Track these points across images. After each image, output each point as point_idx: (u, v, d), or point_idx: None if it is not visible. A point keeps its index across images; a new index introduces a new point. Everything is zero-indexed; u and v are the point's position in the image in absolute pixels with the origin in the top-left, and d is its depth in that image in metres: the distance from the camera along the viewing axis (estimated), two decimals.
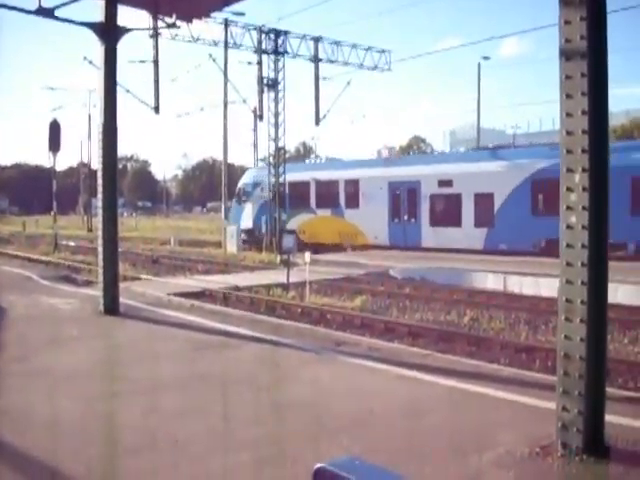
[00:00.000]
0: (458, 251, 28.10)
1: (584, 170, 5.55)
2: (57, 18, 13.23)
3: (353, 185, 34.35)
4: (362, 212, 33.19)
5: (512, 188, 28.34)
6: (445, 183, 30.80)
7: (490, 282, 20.85)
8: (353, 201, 34.25)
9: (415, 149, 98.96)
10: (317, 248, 29.25)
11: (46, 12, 12.95)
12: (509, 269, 21.59)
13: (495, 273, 21.17)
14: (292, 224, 35.62)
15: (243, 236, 36.82)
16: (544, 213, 26.02)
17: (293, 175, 36.16)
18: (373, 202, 33.14)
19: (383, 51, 35.41)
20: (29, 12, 12.86)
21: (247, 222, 38.00)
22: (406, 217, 32.45)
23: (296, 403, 7.35)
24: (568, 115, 5.65)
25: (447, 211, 31.18)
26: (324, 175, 36.33)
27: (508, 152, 33.49)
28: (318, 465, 2.08)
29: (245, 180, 40.30)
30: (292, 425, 6.62)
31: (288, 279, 19.08)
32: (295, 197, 36.15)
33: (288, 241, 22.91)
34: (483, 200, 29.38)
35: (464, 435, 6.28)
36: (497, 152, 33.34)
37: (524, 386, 7.84)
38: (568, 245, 5.65)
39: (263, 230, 36.53)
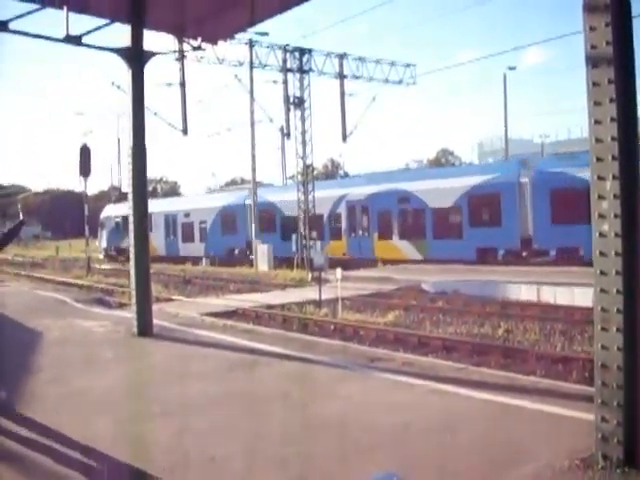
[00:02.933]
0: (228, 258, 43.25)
1: (615, 177, 5.49)
2: (85, 45, 13.42)
3: (151, 217, 52.59)
4: (153, 235, 46.15)
5: (213, 217, 47.28)
6: (187, 215, 50.02)
7: (524, 293, 20.67)
8: (150, 228, 47.66)
9: (443, 162, 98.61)
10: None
11: (74, 39, 13.13)
12: (542, 279, 21.39)
13: (528, 284, 20.98)
14: (125, 242, 50.22)
15: (103, 252, 57.81)
16: (227, 233, 45.67)
17: (126, 210, 55.39)
18: (158, 228, 50.27)
19: (408, 65, 35.40)
20: (58, 40, 13.07)
21: (103, 243, 58.91)
22: (172, 237, 51.23)
23: (330, 420, 7.31)
24: (597, 122, 5.60)
25: (188, 232, 49.72)
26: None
27: (216, 195, 54.85)
28: None
29: (103, 213, 60.41)
30: (327, 442, 6.58)
31: (320, 296, 19.07)
32: (125, 224, 50.23)
33: (319, 258, 22.93)
34: (202, 226, 48.15)
35: (501, 449, 6.19)
36: (212, 195, 56.00)
37: (561, 398, 7.73)
38: (601, 253, 5.57)
39: (111, 250, 55.80)
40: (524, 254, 30.19)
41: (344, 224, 38.28)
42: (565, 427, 6.66)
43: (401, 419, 7.21)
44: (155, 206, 50.46)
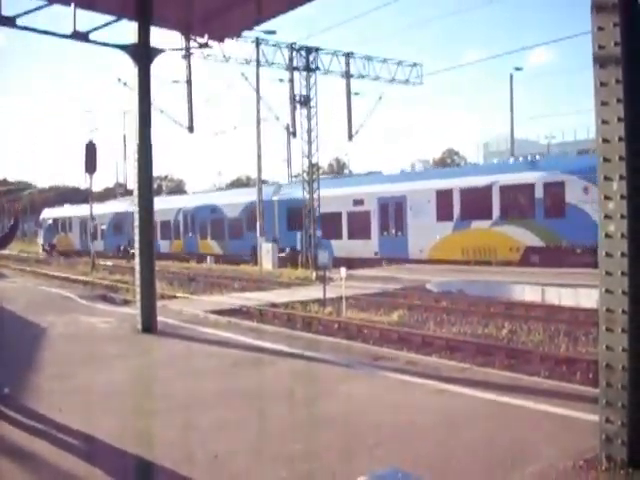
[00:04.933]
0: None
1: (622, 178, 5.47)
2: (92, 41, 13.45)
3: (71, 220, 65.82)
4: (73, 234, 65.03)
5: (108, 221, 59.10)
6: (93, 219, 55.74)
7: (528, 294, 20.66)
8: (70, 228, 66.17)
9: (449, 162, 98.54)
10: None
11: (81, 36, 13.17)
12: (547, 280, 21.37)
13: (532, 285, 20.96)
14: (55, 239, 68.59)
15: (41, 248, 70.81)
16: (116, 233, 57.44)
17: (55, 213, 70.74)
18: (75, 229, 64.69)
19: (414, 65, 35.46)
20: (65, 36, 13.10)
21: (41, 240, 72.35)
22: (83, 235, 60.56)
23: (334, 418, 7.31)
24: (604, 122, 5.58)
25: (94, 232, 55.23)
26: (64, 214, 68.61)
27: (112, 204, 63.88)
28: (361, 478, 2.07)
29: (42, 215, 73.67)
30: (330, 440, 6.58)
31: (324, 295, 19.08)
32: (55, 225, 69.24)
33: (323, 257, 22.88)
34: (102, 227, 58.86)
35: (505, 449, 6.19)
36: (110, 203, 64.73)
37: (565, 398, 7.72)
38: (607, 254, 5.56)
39: (47, 245, 69.84)
40: None
41: (181, 228, 51.32)
42: (569, 428, 6.65)
43: (405, 418, 7.22)
44: (73, 211, 66.64)
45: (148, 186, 13.92)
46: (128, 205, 53.34)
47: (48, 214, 72.65)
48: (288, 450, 6.28)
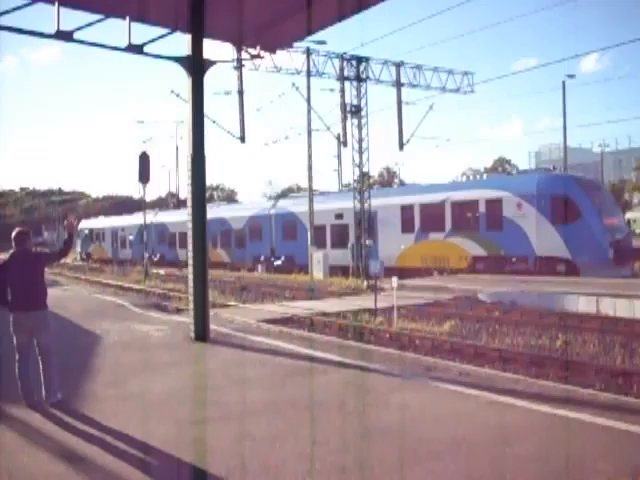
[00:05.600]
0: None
1: None
2: (146, 54, 13.67)
3: (104, 231, 72.39)
4: (106, 243, 70.98)
5: (135, 232, 62.43)
6: (123, 230, 66.93)
7: (582, 305, 20.30)
8: (103, 238, 72.39)
9: (500, 170, 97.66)
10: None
11: (136, 49, 13.40)
12: (601, 291, 20.98)
13: (587, 296, 20.60)
14: (90, 249, 75.25)
15: (78, 256, 76.60)
16: (139, 243, 57.91)
17: (90, 224, 77.26)
18: (107, 239, 70.79)
19: (466, 73, 35.14)
20: (120, 49, 13.35)
21: (78, 248, 76.60)
22: (115, 245, 68.98)
23: (386, 429, 7.29)
24: None
25: (122, 242, 66.73)
26: (98, 225, 75.62)
27: (134, 217, 64.87)
28: None
29: (80, 226, 76.25)
30: (382, 451, 6.55)
31: (376, 304, 19.02)
32: (90, 235, 75.66)
33: (375, 266, 22.84)
34: (130, 238, 64.68)
35: (561, 463, 6.09)
36: (132, 216, 67.77)
37: (622, 412, 7.58)
38: None
39: (84, 254, 75.95)
40: (272, 259, 45.24)
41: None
42: (626, 442, 6.53)
43: (458, 430, 7.16)
44: (105, 223, 74.45)
45: (201, 197, 14.06)
46: (152, 217, 59.76)
47: (85, 224, 79.00)
48: (340, 461, 6.28)
